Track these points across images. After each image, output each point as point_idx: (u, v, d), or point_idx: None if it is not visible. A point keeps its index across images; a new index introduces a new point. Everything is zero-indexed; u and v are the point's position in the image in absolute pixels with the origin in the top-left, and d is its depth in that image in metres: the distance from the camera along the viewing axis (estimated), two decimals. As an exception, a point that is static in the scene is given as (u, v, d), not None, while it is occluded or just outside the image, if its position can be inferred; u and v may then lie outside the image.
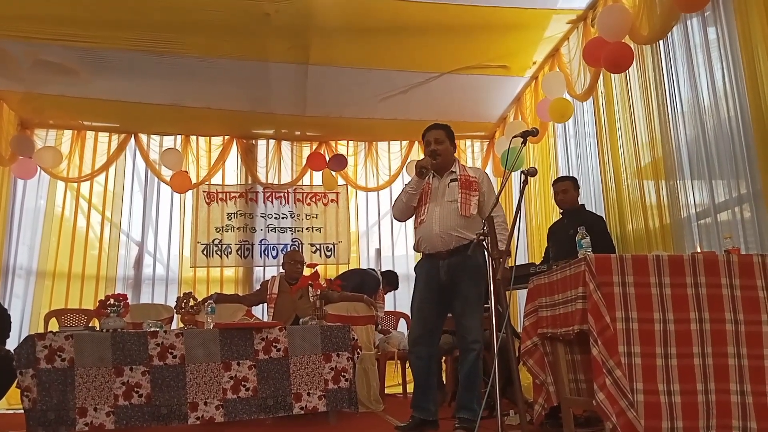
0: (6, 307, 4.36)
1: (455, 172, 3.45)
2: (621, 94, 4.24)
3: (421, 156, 6.71)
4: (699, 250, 3.38)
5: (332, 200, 6.89)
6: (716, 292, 2.40)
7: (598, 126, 4.58)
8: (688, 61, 3.60)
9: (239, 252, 6.59)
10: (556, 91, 4.80)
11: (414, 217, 3.53)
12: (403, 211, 3.55)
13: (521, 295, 5.17)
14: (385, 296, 5.82)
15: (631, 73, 4.06)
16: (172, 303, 4.98)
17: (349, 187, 6.91)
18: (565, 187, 4.22)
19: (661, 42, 3.74)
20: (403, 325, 5.99)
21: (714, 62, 3.39)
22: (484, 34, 4.77)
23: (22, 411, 3.28)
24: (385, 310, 5.89)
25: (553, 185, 4.38)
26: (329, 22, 4.54)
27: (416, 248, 3.53)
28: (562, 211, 4.30)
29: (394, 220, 6.42)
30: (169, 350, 3.43)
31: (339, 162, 6.68)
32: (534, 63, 5.29)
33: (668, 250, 3.61)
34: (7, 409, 4.87)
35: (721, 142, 3.38)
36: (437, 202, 3.41)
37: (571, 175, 4.64)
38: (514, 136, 2.88)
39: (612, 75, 4.26)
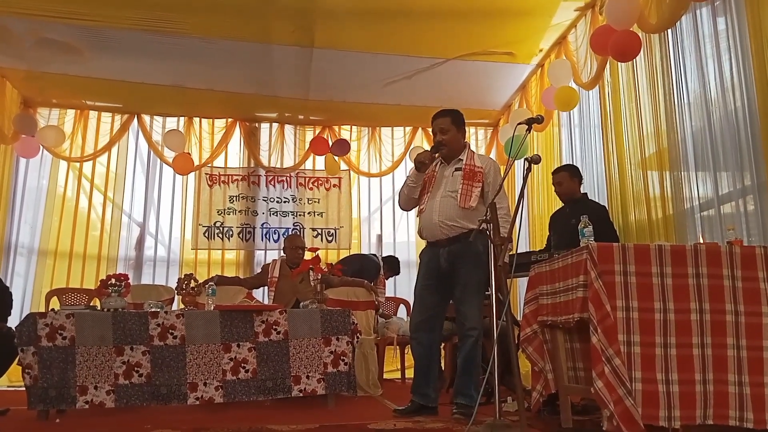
0: (7, 285, 4.38)
1: (462, 161, 3.41)
2: (627, 83, 4.21)
3: (425, 143, 6.74)
4: (701, 241, 3.37)
5: (334, 185, 6.88)
6: (717, 282, 2.40)
7: (604, 115, 4.55)
8: (696, 51, 3.57)
9: (240, 235, 6.60)
10: (561, 79, 4.77)
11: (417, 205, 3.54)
12: (405, 201, 3.59)
13: (521, 282, 5.18)
14: (386, 281, 5.83)
15: (638, 63, 4.03)
16: (173, 284, 5.00)
17: (351, 172, 6.90)
18: (560, 180, 4.19)
19: (669, 31, 3.70)
20: (402, 311, 6.01)
21: (722, 53, 3.36)
22: (491, 20, 4.73)
23: (23, 388, 3.31)
24: (386, 295, 5.91)
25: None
26: (334, 5, 4.50)
27: (419, 235, 3.54)
28: (564, 200, 4.28)
29: (396, 207, 6.45)
30: (170, 331, 3.44)
31: (342, 147, 6.66)
32: (540, 50, 5.25)
33: (670, 241, 3.60)
34: (9, 386, 4.91)
35: (726, 133, 3.35)
36: (438, 192, 3.39)
37: (573, 164, 4.62)
38: (519, 123, 2.86)
39: (619, 64, 4.22)
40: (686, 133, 3.65)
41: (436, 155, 3.42)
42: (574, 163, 4.69)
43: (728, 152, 3.34)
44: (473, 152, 3.49)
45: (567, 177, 4.18)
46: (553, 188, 4.36)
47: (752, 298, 2.39)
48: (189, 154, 6.41)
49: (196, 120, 6.59)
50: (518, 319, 3.63)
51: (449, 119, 3.43)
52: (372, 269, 5.50)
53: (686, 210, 3.63)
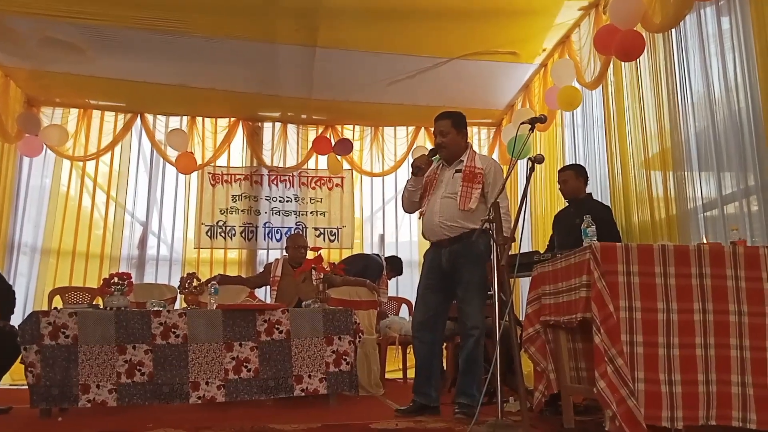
0: (11, 283, 4.39)
1: (463, 162, 3.41)
2: (631, 82, 4.20)
3: (428, 143, 6.74)
4: (705, 241, 3.36)
5: (337, 185, 6.88)
6: (721, 283, 2.39)
7: (607, 115, 4.54)
8: (700, 51, 3.56)
9: (243, 234, 6.60)
10: (565, 79, 4.76)
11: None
12: (408, 205, 3.63)
13: (524, 282, 5.17)
14: (389, 281, 5.82)
15: (642, 62, 4.02)
16: (175, 283, 5.00)
17: (354, 171, 6.90)
18: (565, 178, 4.19)
19: (673, 30, 3.69)
20: (404, 311, 6.01)
21: (727, 52, 3.35)
22: (494, 19, 4.72)
23: (26, 386, 3.31)
24: (388, 295, 5.90)
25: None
26: (338, 5, 4.50)
27: (423, 236, 3.55)
28: (568, 199, 4.28)
29: (399, 207, 6.45)
30: (172, 329, 3.44)
31: (345, 146, 6.66)
32: (543, 50, 5.25)
33: (674, 241, 3.59)
34: (11, 385, 4.91)
35: (730, 133, 3.34)
36: (438, 194, 3.41)
37: (577, 163, 4.61)
38: (522, 123, 2.86)
39: (622, 63, 4.21)
40: (690, 133, 3.64)
41: (432, 158, 3.43)
42: (578, 163, 4.68)
43: (732, 152, 3.33)
44: (475, 153, 3.49)
45: (573, 176, 4.17)
46: (556, 188, 4.35)
47: (756, 298, 2.38)
48: (192, 153, 6.42)
49: (199, 119, 6.60)
50: (521, 319, 3.63)
51: (450, 122, 3.44)
52: (375, 269, 5.50)
53: (689, 210, 3.62)
